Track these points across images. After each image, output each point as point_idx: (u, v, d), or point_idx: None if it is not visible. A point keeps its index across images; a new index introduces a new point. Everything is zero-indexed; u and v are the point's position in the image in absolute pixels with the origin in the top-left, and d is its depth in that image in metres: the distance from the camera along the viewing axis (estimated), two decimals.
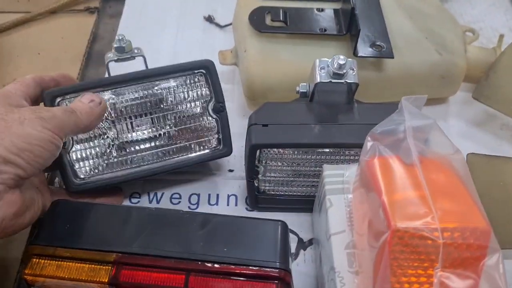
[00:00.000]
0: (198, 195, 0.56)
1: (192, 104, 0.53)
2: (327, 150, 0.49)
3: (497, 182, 0.48)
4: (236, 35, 0.63)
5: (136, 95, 0.51)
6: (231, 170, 0.58)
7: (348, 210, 0.44)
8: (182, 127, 0.53)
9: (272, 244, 0.43)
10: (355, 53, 0.55)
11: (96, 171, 0.51)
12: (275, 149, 0.49)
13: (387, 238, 0.32)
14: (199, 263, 0.41)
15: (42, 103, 0.49)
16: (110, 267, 0.40)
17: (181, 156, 0.53)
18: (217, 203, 0.55)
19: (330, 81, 0.48)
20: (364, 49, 0.56)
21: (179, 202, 0.55)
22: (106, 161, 0.52)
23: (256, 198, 0.54)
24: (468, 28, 0.67)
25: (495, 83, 0.58)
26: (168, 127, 0.53)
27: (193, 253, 0.41)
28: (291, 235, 0.52)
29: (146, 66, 0.55)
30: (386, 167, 0.37)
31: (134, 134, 0.52)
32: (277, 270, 0.40)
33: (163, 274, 0.40)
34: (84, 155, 0.51)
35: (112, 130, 0.51)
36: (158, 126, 0.52)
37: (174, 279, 0.40)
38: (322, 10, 0.61)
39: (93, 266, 0.40)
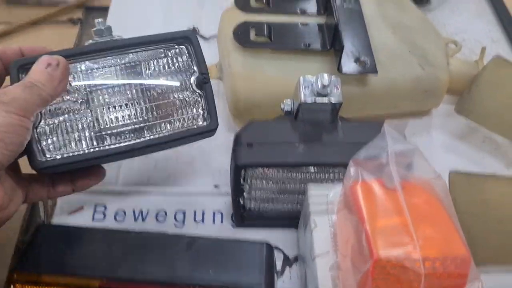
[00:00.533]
0: (184, 212, 0.56)
1: (173, 77, 0.50)
2: (311, 168, 0.49)
3: (478, 199, 0.49)
4: (221, 49, 0.63)
5: (112, 67, 0.48)
6: (216, 186, 0.58)
7: (332, 230, 0.44)
8: (163, 101, 0.50)
9: (257, 266, 0.43)
10: (339, 69, 0.56)
11: (66, 148, 0.46)
12: (260, 168, 0.49)
13: (369, 267, 0.32)
14: (185, 287, 0.41)
15: (7, 79, 0.46)
16: None
17: (163, 133, 0.49)
18: (203, 220, 0.55)
19: (315, 101, 0.49)
20: (348, 65, 0.56)
21: (165, 219, 0.55)
22: (77, 138, 0.47)
23: (242, 215, 0.54)
24: (450, 39, 0.67)
25: (477, 97, 0.59)
26: (148, 102, 0.49)
27: (178, 277, 0.41)
28: (276, 252, 0.52)
29: None
30: (369, 192, 0.37)
31: (109, 108, 0.48)
32: None
33: None
34: (52, 130, 0.46)
35: (86, 104, 0.47)
36: (136, 100, 0.49)
37: None
38: (306, 24, 0.61)
39: None
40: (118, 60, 0.49)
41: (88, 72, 0.48)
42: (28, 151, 0.44)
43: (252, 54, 0.59)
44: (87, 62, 0.48)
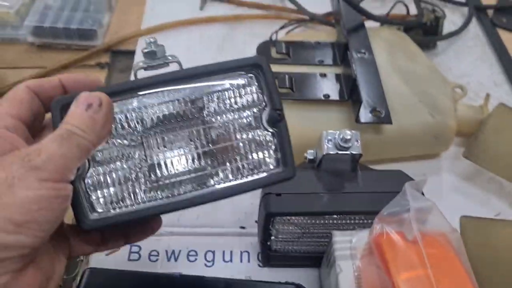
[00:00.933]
0: (213, 252, 0.60)
1: (241, 113, 0.42)
2: (334, 215, 0.53)
3: (487, 242, 0.53)
4: None
5: (169, 103, 0.41)
6: (242, 227, 0.63)
7: (356, 274, 0.48)
8: (229, 143, 0.42)
9: None
10: (357, 120, 0.61)
11: (119, 202, 0.40)
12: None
13: None
14: None
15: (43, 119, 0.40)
16: None
17: (228, 181, 0.42)
18: (231, 260, 0.60)
19: (337, 153, 0.53)
20: (365, 116, 0.61)
21: (196, 259, 0.59)
22: (131, 189, 0.41)
23: (268, 256, 0.58)
24: (457, 84, 0.72)
25: (482, 144, 0.64)
26: (211, 144, 0.42)
27: None
28: None
29: None
30: (393, 246, 0.41)
31: (167, 153, 0.41)
32: None
33: None
34: (102, 181, 0.40)
35: (139, 148, 0.41)
36: (198, 142, 0.42)
37: None
38: (325, 75, 0.66)
39: None
40: (176, 94, 0.41)
41: (142, 109, 0.41)
42: (75, 207, 0.38)
43: None
44: (140, 98, 0.40)
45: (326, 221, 0.54)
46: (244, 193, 0.42)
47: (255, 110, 0.42)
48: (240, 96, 0.42)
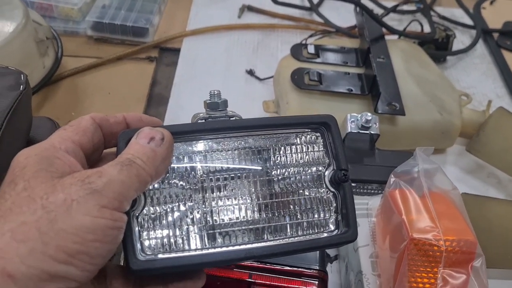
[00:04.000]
0: None
1: (305, 169, 0.41)
2: (353, 184, 0.63)
3: (482, 215, 0.62)
4: (278, 89, 0.78)
5: (236, 150, 0.40)
6: None
7: (370, 228, 0.58)
8: (289, 198, 0.41)
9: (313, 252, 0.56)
10: (375, 110, 0.71)
11: (170, 245, 0.38)
12: None
13: (406, 244, 0.46)
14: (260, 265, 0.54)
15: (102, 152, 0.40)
16: None
17: (285, 238, 0.40)
18: None
19: (358, 132, 0.63)
20: (382, 107, 0.71)
21: None
22: (185, 233, 0.39)
23: None
24: (463, 93, 0.82)
25: (484, 140, 0.73)
26: (272, 197, 0.41)
27: None
28: None
29: None
30: (404, 196, 0.51)
31: (226, 201, 0.40)
32: (317, 271, 0.54)
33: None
34: (157, 220, 0.38)
35: (199, 192, 0.39)
36: (260, 193, 0.40)
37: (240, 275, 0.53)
38: (348, 73, 0.77)
39: None
40: (242, 143, 0.41)
41: (207, 154, 0.40)
42: (125, 244, 0.36)
43: (306, 94, 0.74)
44: (206, 141, 0.40)
45: None
46: (303, 252, 0.43)
47: (320, 168, 0.42)
48: (306, 153, 0.42)
